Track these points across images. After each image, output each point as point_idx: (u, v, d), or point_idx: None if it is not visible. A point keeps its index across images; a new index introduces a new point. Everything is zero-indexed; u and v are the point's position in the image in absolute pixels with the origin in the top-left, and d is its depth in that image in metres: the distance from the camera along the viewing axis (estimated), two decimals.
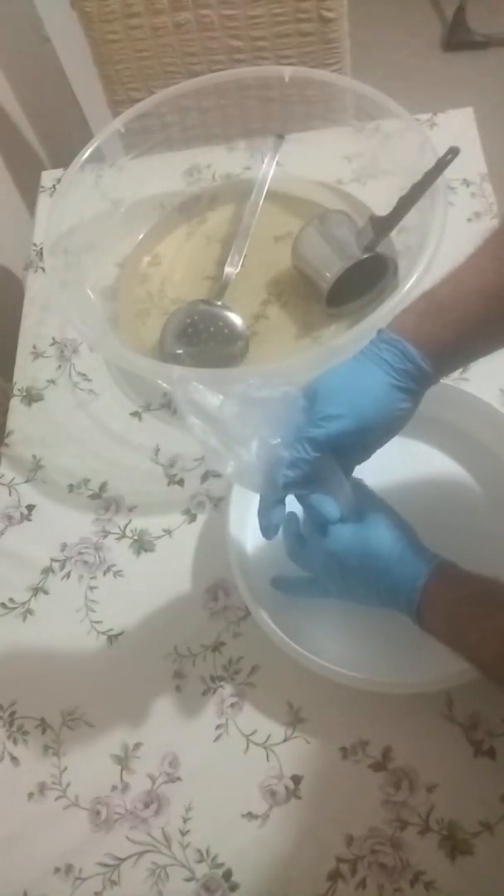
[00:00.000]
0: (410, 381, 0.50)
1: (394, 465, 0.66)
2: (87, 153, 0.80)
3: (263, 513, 0.54)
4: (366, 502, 0.56)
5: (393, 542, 0.52)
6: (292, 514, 0.61)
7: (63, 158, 0.87)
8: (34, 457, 0.79)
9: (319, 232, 0.78)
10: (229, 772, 0.61)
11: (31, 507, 0.76)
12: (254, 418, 0.49)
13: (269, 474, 0.50)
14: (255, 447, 0.49)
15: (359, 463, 0.55)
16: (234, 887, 0.57)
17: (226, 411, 0.49)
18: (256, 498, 0.70)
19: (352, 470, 0.55)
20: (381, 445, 0.54)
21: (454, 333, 0.50)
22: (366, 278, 0.77)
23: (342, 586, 0.55)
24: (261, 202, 0.87)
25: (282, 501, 0.54)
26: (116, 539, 0.73)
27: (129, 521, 0.74)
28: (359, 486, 0.57)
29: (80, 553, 0.73)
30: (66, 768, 0.63)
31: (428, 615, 0.50)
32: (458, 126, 0.92)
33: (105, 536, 0.73)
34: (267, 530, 0.54)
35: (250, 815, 0.59)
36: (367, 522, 0.54)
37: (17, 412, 0.83)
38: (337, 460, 0.52)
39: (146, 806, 0.61)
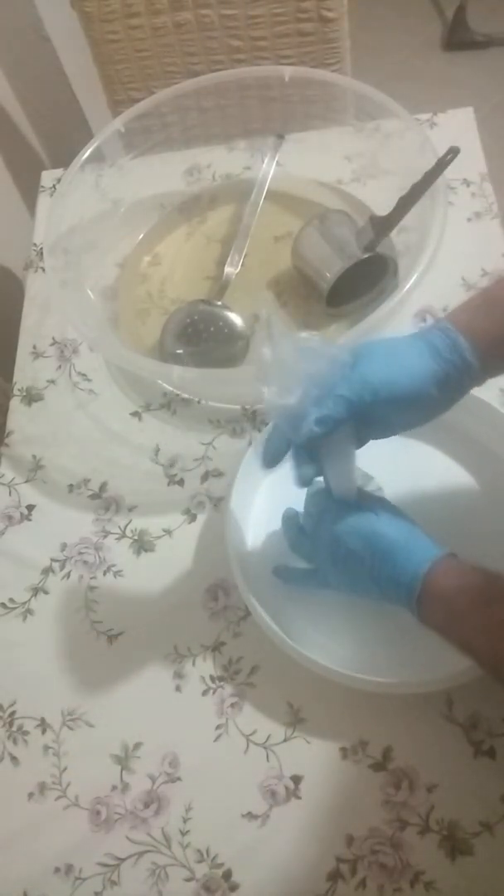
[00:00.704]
0: (454, 371, 0.50)
1: (394, 465, 0.66)
2: (87, 153, 0.80)
3: (272, 443, 0.54)
4: (366, 495, 0.57)
5: (398, 528, 0.53)
6: (291, 509, 0.62)
7: (63, 158, 0.87)
8: (34, 457, 0.79)
9: (319, 232, 0.78)
10: (229, 772, 0.61)
11: (31, 507, 0.76)
12: (305, 366, 0.50)
13: (296, 420, 0.50)
14: (299, 393, 0.49)
15: (373, 438, 0.55)
16: (234, 887, 0.57)
17: (288, 347, 0.49)
18: (256, 499, 0.71)
19: (363, 444, 0.55)
20: (401, 429, 0.54)
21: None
22: (366, 278, 0.77)
23: (343, 574, 0.55)
24: (261, 202, 0.87)
25: (289, 447, 0.54)
26: (116, 539, 0.73)
27: (129, 521, 0.74)
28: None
29: (80, 553, 0.73)
30: (66, 768, 0.63)
31: (427, 604, 0.49)
32: (458, 126, 0.91)
33: (105, 536, 0.73)
34: (266, 457, 0.54)
35: (250, 815, 0.59)
36: (374, 509, 0.54)
37: (17, 412, 0.83)
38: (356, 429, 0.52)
39: (146, 806, 0.61)
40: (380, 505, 0.56)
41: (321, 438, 0.50)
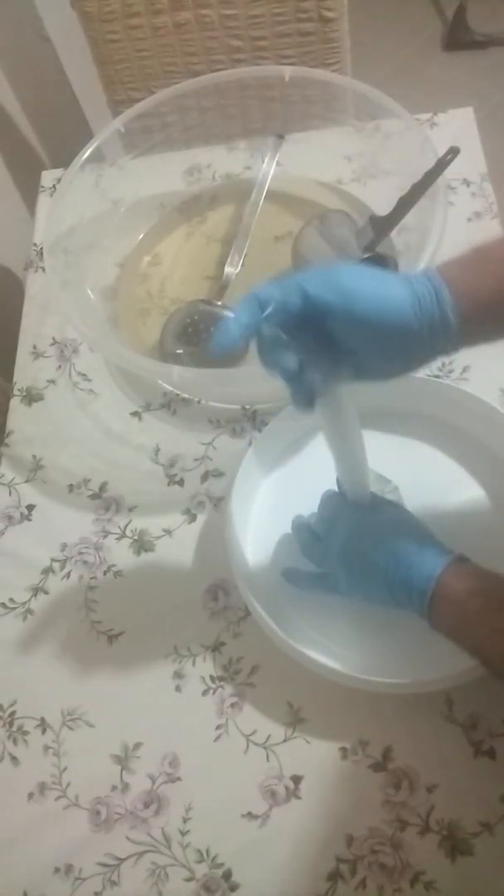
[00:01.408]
0: (428, 322, 0.44)
1: (394, 466, 0.66)
2: (87, 153, 0.80)
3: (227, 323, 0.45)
4: (380, 500, 0.57)
5: (412, 533, 0.53)
6: (301, 517, 0.62)
7: (63, 158, 0.87)
8: (34, 457, 0.79)
9: (319, 232, 0.78)
10: (229, 772, 0.61)
11: (31, 507, 0.76)
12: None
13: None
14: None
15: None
16: (234, 887, 0.57)
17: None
18: (256, 499, 0.71)
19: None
20: (356, 371, 0.48)
21: (492, 289, 0.45)
22: None
23: (355, 578, 0.55)
24: (261, 202, 0.87)
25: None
26: (116, 539, 0.73)
27: (129, 521, 0.74)
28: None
29: (80, 553, 0.73)
30: (66, 768, 0.63)
31: (439, 607, 0.49)
32: (458, 126, 0.91)
33: (105, 536, 0.73)
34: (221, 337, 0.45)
35: (250, 815, 0.59)
36: (388, 513, 0.54)
37: (17, 412, 0.83)
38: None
39: (146, 806, 0.61)
40: (394, 509, 0.56)
41: (267, 319, 0.44)
